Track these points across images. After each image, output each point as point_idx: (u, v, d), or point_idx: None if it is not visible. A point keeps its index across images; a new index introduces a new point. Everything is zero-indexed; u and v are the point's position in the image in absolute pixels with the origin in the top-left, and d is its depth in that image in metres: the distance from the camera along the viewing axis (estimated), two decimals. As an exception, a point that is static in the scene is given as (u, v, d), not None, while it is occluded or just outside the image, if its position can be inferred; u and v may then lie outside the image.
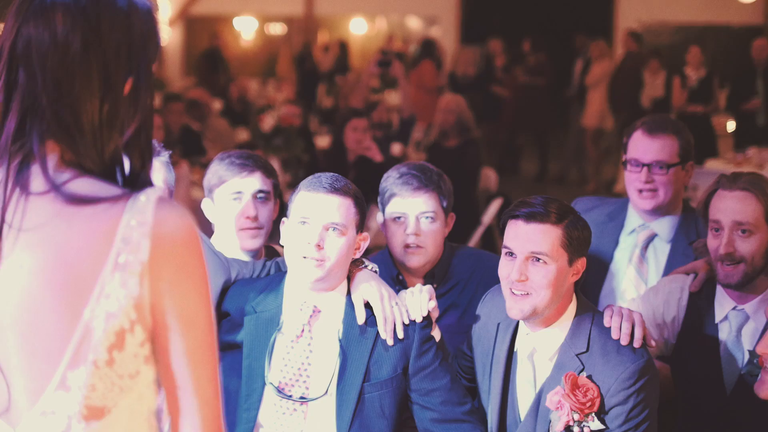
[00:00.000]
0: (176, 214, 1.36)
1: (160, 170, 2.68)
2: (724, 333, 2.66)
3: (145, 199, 1.35)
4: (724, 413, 2.61)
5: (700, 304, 2.71)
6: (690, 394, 2.70)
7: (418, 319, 2.47)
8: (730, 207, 2.59)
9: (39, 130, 1.36)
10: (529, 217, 2.40)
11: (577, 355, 2.38)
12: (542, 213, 2.39)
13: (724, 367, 2.63)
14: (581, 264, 2.44)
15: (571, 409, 2.32)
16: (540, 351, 2.46)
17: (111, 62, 1.38)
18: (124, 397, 1.38)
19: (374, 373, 2.44)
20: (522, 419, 2.47)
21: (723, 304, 2.67)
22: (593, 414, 2.32)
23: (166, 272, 1.34)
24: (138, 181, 1.41)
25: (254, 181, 2.77)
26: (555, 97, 12.21)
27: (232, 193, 2.76)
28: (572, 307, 2.46)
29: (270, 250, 2.96)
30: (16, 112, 1.36)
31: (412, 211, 2.86)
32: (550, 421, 2.38)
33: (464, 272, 2.94)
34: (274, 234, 2.91)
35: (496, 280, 2.86)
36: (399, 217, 2.87)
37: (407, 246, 2.86)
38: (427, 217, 2.86)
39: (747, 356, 2.59)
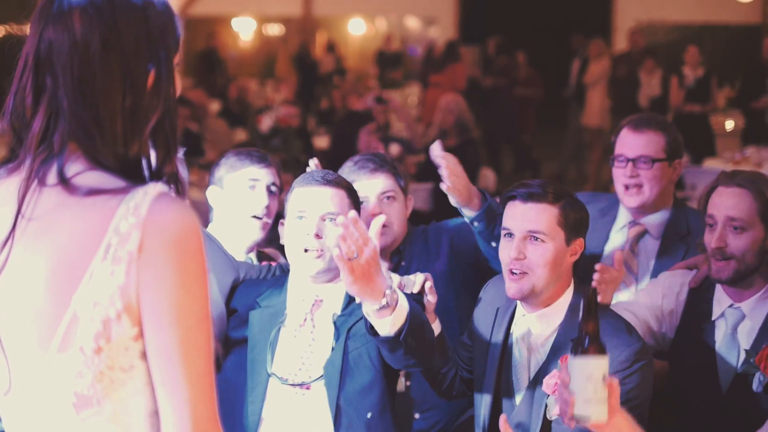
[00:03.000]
0: (174, 210, 1.37)
1: None
2: (720, 330, 2.66)
3: (144, 192, 1.37)
4: (719, 410, 2.61)
5: (698, 300, 2.72)
6: (686, 389, 2.71)
7: (414, 291, 2.51)
8: (725, 202, 2.60)
9: (61, 132, 1.41)
10: (527, 197, 2.43)
11: (571, 340, 2.38)
12: (539, 193, 2.42)
13: (720, 365, 2.63)
14: (579, 245, 2.47)
15: None
16: (535, 333, 2.47)
17: (131, 57, 1.42)
18: (117, 389, 1.39)
19: (356, 330, 2.47)
20: (517, 404, 2.48)
21: (720, 301, 2.67)
22: None
23: (153, 265, 1.35)
24: (160, 174, 1.44)
25: (269, 174, 2.88)
26: (546, 97, 12.21)
27: (248, 179, 2.86)
28: (570, 291, 2.48)
29: (262, 255, 3.01)
30: (42, 115, 1.42)
31: (373, 192, 2.97)
32: (546, 406, 2.38)
33: (421, 241, 3.07)
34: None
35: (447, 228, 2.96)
36: (362, 201, 2.91)
37: None
38: (387, 197, 2.98)
39: (743, 355, 2.59)
